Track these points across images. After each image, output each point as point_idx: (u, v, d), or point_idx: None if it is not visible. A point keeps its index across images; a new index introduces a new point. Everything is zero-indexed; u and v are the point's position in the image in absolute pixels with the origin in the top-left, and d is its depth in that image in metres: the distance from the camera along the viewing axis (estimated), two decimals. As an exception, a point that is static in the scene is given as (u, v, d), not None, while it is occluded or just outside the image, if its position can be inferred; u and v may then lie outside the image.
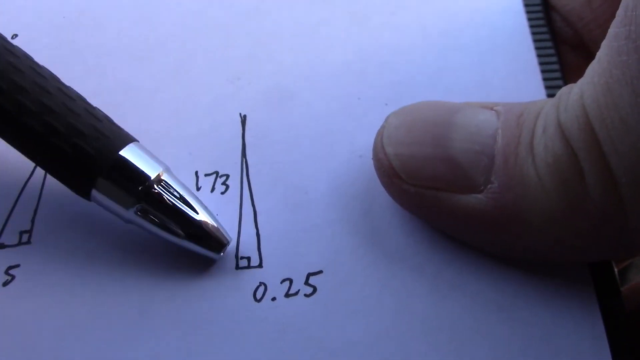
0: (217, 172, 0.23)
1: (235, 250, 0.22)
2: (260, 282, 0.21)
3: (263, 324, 0.20)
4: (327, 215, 0.22)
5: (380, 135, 0.21)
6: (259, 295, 0.21)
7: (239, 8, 0.27)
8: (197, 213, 0.20)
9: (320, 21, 0.26)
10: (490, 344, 0.20)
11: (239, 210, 0.22)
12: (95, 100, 0.23)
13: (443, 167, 0.20)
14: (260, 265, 0.21)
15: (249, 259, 0.21)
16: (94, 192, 0.21)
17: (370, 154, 0.22)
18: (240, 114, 0.24)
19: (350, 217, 0.22)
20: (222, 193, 0.23)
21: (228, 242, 0.21)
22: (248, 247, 0.22)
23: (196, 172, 0.23)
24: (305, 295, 0.21)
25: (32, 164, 0.23)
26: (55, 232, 0.22)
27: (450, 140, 0.20)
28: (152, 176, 0.20)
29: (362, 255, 0.21)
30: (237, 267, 0.21)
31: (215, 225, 0.20)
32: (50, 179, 0.23)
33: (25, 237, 0.22)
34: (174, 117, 0.24)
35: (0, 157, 0.25)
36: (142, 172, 0.20)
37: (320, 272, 0.21)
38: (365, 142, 0.23)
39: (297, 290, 0.21)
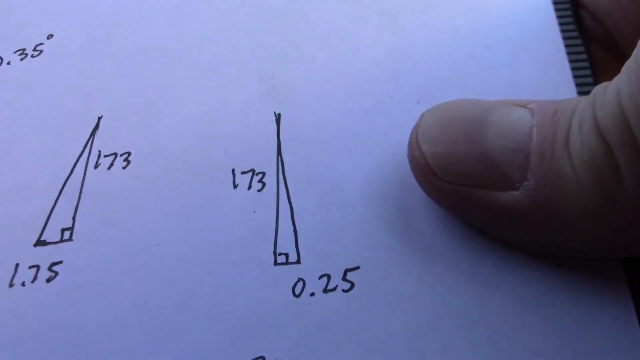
0: (253, 170, 0.23)
1: (273, 247, 0.22)
2: (298, 278, 0.21)
3: (302, 319, 0.21)
4: (362, 213, 0.22)
5: (415, 134, 0.21)
6: (297, 291, 0.21)
7: (269, 8, 0.27)
8: None
9: (350, 20, 0.27)
10: (526, 338, 0.20)
11: (275, 208, 0.23)
12: (129, 100, 0.24)
13: (479, 164, 0.20)
14: (298, 262, 0.22)
15: (287, 255, 0.22)
16: None
17: (404, 152, 0.23)
18: (274, 113, 0.24)
19: (385, 214, 0.22)
20: (259, 190, 0.23)
21: None
22: (286, 244, 0.22)
23: (232, 170, 0.23)
24: (344, 290, 0.21)
25: (73, 161, 0.24)
26: (96, 228, 0.23)
27: (486, 137, 0.20)
28: None
29: (399, 251, 0.22)
30: (276, 263, 0.22)
31: None
32: (89, 176, 0.23)
33: (67, 234, 0.23)
34: (208, 116, 0.25)
35: (39, 156, 0.25)
36: None
37: (357, 267, 0.21)
38: (398, 140, 0.24)
39: (335, 285, 0.21)
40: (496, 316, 0.20)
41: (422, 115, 0.22)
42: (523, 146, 0.20)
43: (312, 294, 0.21)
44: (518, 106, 0.21)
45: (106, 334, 0.21)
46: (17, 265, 0.22)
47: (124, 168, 0.24)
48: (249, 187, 0.23)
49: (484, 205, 0.20)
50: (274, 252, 0.22)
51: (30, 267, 0.22)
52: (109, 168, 0.24)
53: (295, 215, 0.23)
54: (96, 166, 0.24)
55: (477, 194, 0.20)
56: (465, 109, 0.21)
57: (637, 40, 0.18)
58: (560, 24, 0.26)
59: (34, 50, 0.27)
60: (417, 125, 0.22)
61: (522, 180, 0.20)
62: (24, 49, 0.27)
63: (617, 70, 0.18)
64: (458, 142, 0.21)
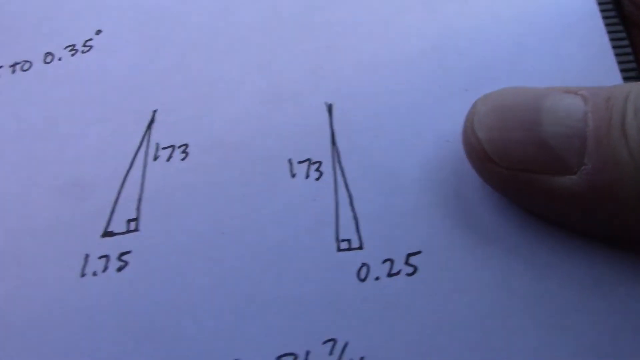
0: (309, 160, 0.24)
1: (335, 233, 0.23)
2: (362, 263, 0.22)
3: (369, 302, 0.22)
4: (420, 199, 0.23)
5: (470, 121, 0.22)
6: (362, 275, 0.22)
7: (315, 1, 0.28)
8: None
9: (394, 11, 0.27)
10: (589, 317, 0.21)
11: (334, 195, 0.23)
12: (181, 95, 0.25)
13: (535, 150, 0.21)
14: (360, 247, 0.22)
15: (349, 241, 0.23)
16: None
17: (455, 139, 0.23)
18: (325, 103, 0.25)
19: (442, 201, 0.23)
20: (317, 179, 0.24)
21: None
22: (347, 230, 0.23)
23: (289, 160, 0.24)
24: (407, 274, 0.22)
25: (132, 154, 0.24)
26: (161, 219, 0.24)
27: (540, 124, 0.21)
28: None
29: (458, 236, 0.22)
30: (339, 249, 0.22)
31: None
32: (149, 168, 0.24)
33: (133, 225, 0.24)
34: (261, 108, 0.26)
35: (98, 150, 0.26)
36: None
37: (419, 252, 0.22)
38: (450, 127, 0.24)
39: (398, 270, 0.22)
40: (557, 297, 0.21)
41: (476, 103, 0.23)
42: (579, 132, 0.21)
43: (377, 278, 0.22)
44: (569, 93, 0.21)
45: (178, 320, 0.22)
46: (87, 255, 0.23)
47: (182, 160, 0.25)
48: (307, 176, 0.24)
49: (542, 189, 0.21)
50: (337, 239, 0.23)
51: (100, 257, 0.23)
52: (167, 160, 0.25)
53: (354, 202, 0.23)
54: (155, 158, 0.25)
55: (535, 179, 0.21)
56: (518, 96, 0.22)
57: None
58: (602, 10, 0.26)
59: (84, 45, 0.28)
60: (471, 113, 0.22)
61: (580, 165, 0.20)
62: (74, 45, 0.28)
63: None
64: (513, 128, 0.21)
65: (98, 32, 0.28)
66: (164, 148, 0.25)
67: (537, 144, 0.21)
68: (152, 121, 0.25)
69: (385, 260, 0.22)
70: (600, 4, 0.27)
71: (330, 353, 0.21)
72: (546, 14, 0.27)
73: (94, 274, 0.23)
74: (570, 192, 0.20)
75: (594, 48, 0.26)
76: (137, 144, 0.25)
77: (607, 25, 0.26)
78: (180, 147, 0.25)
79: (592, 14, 0.26)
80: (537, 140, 0.21)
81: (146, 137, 0.25)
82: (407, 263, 0.22)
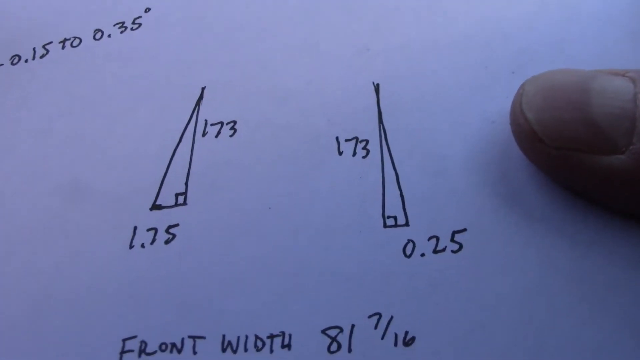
0: (357, 138, 0.24)
1: (381, 210, 0.23)
2: (408, 240, 0.22)
3: (415, 278, 0.22)
4: (466, 179, 0.23)
5: (518, 102, 0.22)
6: (408, 252, 0.22)
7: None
8: None
9: (440, -6, 0.27)
10: (633, 295, 0.21)
11: (381, 173, 0.24)
12: (229, 73, 0.26)
13: (585, 130, 0.21)
14: (407, 224, 0.23)
15: (395, 217, 0.23)
16: None
17: (502, 120, 0.24)
18: (373, 83, 0.25)
19: (488, 181, 0.23)
20: (364, 157, 0.24)
21: None
22: (393, 207, 0.23)
23: (337, 138, 0.25)
24: (452, 251, 0.22)
25: (181, 130, 0.25)
26: (209, 193, 0.24)
27: (590, 105, 0.21)
28: None
29: (504, 215, 0.23)
30: (385, 226, 0.23)
31: None
32: (198, 144, 0.25)
33: (181, 199, 0.24)
34: (309, 87, 0.26)
35: (148, 126, 0.26)
36: None
37: (464, 229, 0.22)
38: (496, 108, 0.24)
39: (444, 247, 0.22)
40: (602, 274, 0.21)
41: (524, 84, 0.23)
42: (628, 112, 0.21)
43: (423, 255, 0.22)
44: (617, 75, 0.22)
45: (225, 294, 0.22)
46: (136, 228, 0.24)
47: (230, 136, 0.25)
48: (354, 154, 0.24)
49: (590, 169, 0.21)
50: (383, 215, 0.23)
51: (149, 230, 0.23)
52: (216, 136, 0.25)
53: (400, 181, 0.24)
54: (204, 135, 0.25)
55: (584, 158, 0.21)
56: (567, 78, 0.22)
57: None
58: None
59: (133, 23, 0.28)
60: (519, 94, 0.23)
61: (629, 145, 0.20)
62: (123, 22, 0.28)
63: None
64: (563, 109, 0.22)
65: (147, 9, 0.28)
66: (213, 124, 0.25)
67: (586, 124, 0.21)
68: (200, 98, 0.26)
69: (430, 237, 0.22)
70: (645, -10, 0.27)
71: (375, 327, 0.21)
72: (591, 1, 0.27)
73: (142, 246, 0.23)
74: (618, 172, 0.21)
75: (638, 32, 0.26)
76: (186, 120, 0.25)
77: (652, 10, 0.26)
78: (228, 123, 0.25)
79: (637, 2, 0.26)
80: (587, 120, 0.21)
81: (195, 113, 0.26)
82: (452, 240, 0.22)
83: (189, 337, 0.22)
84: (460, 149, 0.24)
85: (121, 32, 0.28)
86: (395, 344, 0.21)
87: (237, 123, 0.25)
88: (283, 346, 0.22)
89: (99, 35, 0.28)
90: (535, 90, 0.22)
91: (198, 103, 0.26)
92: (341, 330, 0.21)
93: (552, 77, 0.22)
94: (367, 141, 0.24)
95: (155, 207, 0.24)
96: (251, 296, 0.22)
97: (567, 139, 0.21)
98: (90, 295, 0.23)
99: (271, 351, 0.22)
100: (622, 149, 0.20)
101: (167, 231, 0.23)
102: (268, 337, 0.21)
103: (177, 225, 0.23)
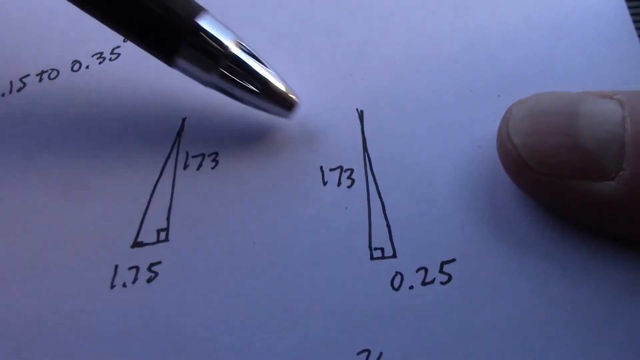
0: (341, 167, 0.24)
1: (368, 242, 0.22)
2: (396, 272, 0.22)
3: (404, 312, 0.21)
4: (453, 206, 0.23)
5: (505, 127, 0.22)
6: (396, 284, 0.22)
7: (343, 5, 0.28)
8: (271, 74, 0.24)
9: (425, 16, 0.27)
10: (626, 324, 0.21)
11: (367, 203, 0.23)
12: (208, 103, 0.27)
13: (573, 156, 0.21)
14: (394, 256, 0.22)
15: (382, 249, 0.22)
16: (178, 59, 0.23)
17: (488, 145, 0.23)
18: (357, 109, 0.25)
19: (476, 207, 0.23)
20: (349, 187, 0.24)
21: (298, 102, 0.24)
22: (380, 239, 0.23)
23: (321, 167, 0.24)
24: (442, 283, 0.22)
25: (162, 163, 0.24)
26: (191, 228, 0.23)
27: (578, 129, 0.21)
28: (230, 41, 0.23)
29: (493, 243, 0.22)
30: (372, 258, 0.22)
31: (287, 86, 0.24)
32: (179, 177, 0.24)
33: (162, 235, 0.23)
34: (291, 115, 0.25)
35: (128, 159, 0.26)
36: (221, 37, 0.23)
37: (453, 260, 0.22)
38: (482, 133, 0.24)
39: (432, 278, 0.22)
40: (594, 303, 0.21)
41: (511, 108, 0.22)
42: (617, 137, 0.20)
43: (411, 287, 0.22)
44: (605, 98, 0.21)
45: (210, 332, 0.22)
46: (117, 266, 0.23)
47: (212, 168, 0.24)
48: (339, 184, 0.24)
49: (579, 195, 0.21)
50: (370, 247, 0.22)
51: (130, 268, 0.23)
52: (198, 169, 0.25)
53: (387, 210, 0.23)
54: (185, 167, 0.25)
55: (572, 185, 0.21)
56: (554, 101, 0.22)
57: None
58: (632, 13, 0.26)
59: (112, 53, 0.27)
60: (505, 119, 0.22)
61: (618, 170, 0.20)
62: (101, 52, 0.28)
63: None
64: (550, 133, 0.21)
65: (125, 39, 0.27)
66: (194, 157, 0.25)
67: (574, 149, 0.21)
68: (181, 129, 0.25)
69: (419, 269, 0.22)
70: (630, 7, 0.26)
71: (365, 363, 0.21)
72: (577, 17, 0.26)
73: (124, 285, 0.23)
74: (608, 198, 0.20)
75: (625, 51, 0.25)
76: (167, 152, 0.25)
77: (638, 28, 0.26)
78: (210, 155, 0.25)
79: (622, 17, 0.26)
80: (575, 145, 0.21)
81: (176, 145, 0.25)
82: (441, 271, 0.22)
83: (174, 378, 0.21)
84: (447, 175, 0.23)
85: (99, 63, 0.27)
86: (385, 382, 0.20)
87: (219, 154, 0.24)
88: (270, 386, 0.20)
89: (77, 66, 0.27)
90: (523, 114, 0.22)
91: (179, 135, 0.25)
92: (330, 367, 0.21)
93: (539, 100, 0.22)
94: (352, 170, 0.24)
95: (137, 244, 0.23)
96: (237, 334, 0.22)
97: (555, 165, 0.21)
98: (72, 338, 0.22)
99: (258, 392, 0.21)
100: (612, 175, 0.20)
101: (149, 269, 0.23)
102: (255, 377, 0.21)
103: (159, 262, 0.23)
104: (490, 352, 0.21)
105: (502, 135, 0.22)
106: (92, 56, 0.28)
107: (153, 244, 0.23)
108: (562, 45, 0.26)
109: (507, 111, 0.22)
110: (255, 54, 0.23)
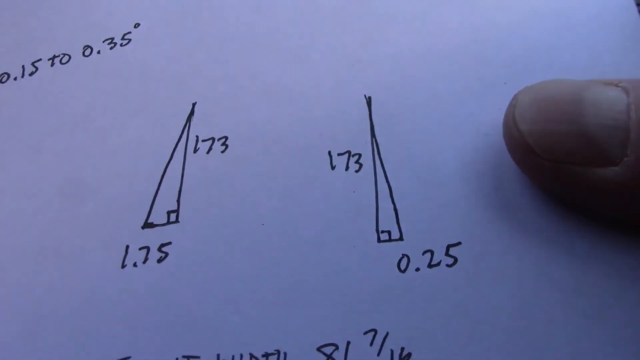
0: (349, 152, 0.24)
1: (375, 225, 0.23)
2: (402, 254, 0.22)
3: (410, 293, 0.22)
4: (459, 191, 0.23)
5: (511, 114, 0.22)
6: (403, 266, 0.22)
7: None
8: None
9: (432, 5, 0.27)
10: (630, 308, 0.21)
11: (374, 187, 0.24)
12: (221, 86, 0.26)
13: (578, 142, 0.21)
14: (401, 238, 0.23)
15: (389, 232, 0.23)
16: None
17: (494, 132, 0.23)
18: (365, 96, 0.25)
19: (482, 192, 0.23)
20: (357, 171, 0.24)
21: None
22: (387, 222, 0.23)
23: (329, 152, 0.24)
24: (447, 265, 0.22)
25: (172, 147, 0.25)
26: (201, 210, 0.24)
27: (583, 116, 0.21)
28: None
29: (498, 227, 0.22)
30: (379, 241, 0.23)
31: None
32: (189, 160, 0.24)
33: (173, 217, 0.24)
34: (300, 101, 0.26)
35: (139, 142, 0.26)
36: None
37: (459, 243, 0.22)
38: (488, 120, 0.24)
39: (438, 261, 0.22)
40: (597, 288, 0.21)
41: (517, 95, 0.23)
42: (622, 124, 0.21)
43: (417, 269, 0.22)
44: (610, 85, 0.22)
45: (219, 311, 0.22)
46: (128, 247, 0.23)
47: (222, 152, 0.25)
48: (347, 168, 0.24)
49: (584, 181, 0.21)
50: (377, 230, 0.23)
51: (141, 249, 0.23)
52: (207, 152, 0.25)
53: (394, 194, 0.23)
54: (195, 151, 0.25)
55: (577, 171, 0.21)
56: (560, 89, 0.22)
57: None
58: (638, 3, 0.26)
59: (123, 39, 0.28)
60: (512, 106, 0.22)
61: (622, 156, 0.20)
62: (112, 38, 0.28)
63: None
64: (556, 120, 0.21)
65: (136, 25, 0.28)
66: (204, 140, 0.25)
67: (579, 135, 0.21)
68: (191, 113, 0.26)
69: (425, 252, 0.22)
70: (637, -3, 0.26)
71: (371, 344, 0.21)
72: (582, 7, 0.27)
73: (135, 265, 0.23)
74: (612, 184, 0.21)
75: (630, 40, 0.26)
76: (177, 136, 0.25)
77: (644, 17, 0.26)
78: (220, 139, 0.25)
79: (628, 7, 0.26)
80: (580, 132, 0.21)
81: (186, 129, 0.25)
82: (447, 254, 0.22)
83: (183, 357, 0.22)
84: (454, 161, 0.24)
85: (110, 48, 0.27)
86: (392, 361, 0.21)
87: (229, 138, 0.25)
88: (278, 365, 0.21)
89: (88, 51, 0.27)
90: (528, 102, 0.22)
91: (189, 119, 0.25)
92: (337, 347, 0.21)
93: (545, 88, 0.22)
94: (359, 155, 0.24)
95: (147, 225, 0.24)
96: (245, 314, 0.22)
97: (560, 152, 0.21)
98: (83, 316, 0.23)
99: (266, 370, 0.21)
100: (616, 161, 0.20)
101: (159, 250, 0.23)
102: (263, 356, 0.21)
103: (169, 243, 0.23)
104: (494, 333, 0.22)
105: (508, 122, 0.22)
106: (104, 41, 0.28)
107: (163, 225, 0.23)
108: (568, 34, 0.26)
109: (513, 98, 0.23)
110: None
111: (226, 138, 0.25)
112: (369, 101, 0.25)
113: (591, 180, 0.21)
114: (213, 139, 0.25)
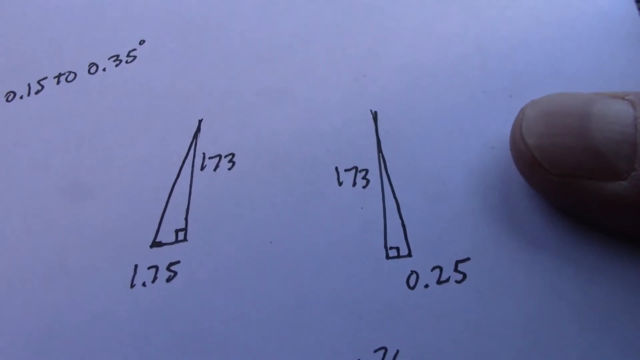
0: (356, 167, 0.24)
1: (383, 241, 0.23)
2: (411, 271, 0.22)
3: (419, 310, 0.22)
4: (467, 205, 0.23)
5: (518, 127, 0.22)
6: (412, 283, 0.22)
7: (355, 7, 0.28)
8: None
9: (435, 17, 0.27)
10: (637, 323, 0.21)
11: (382, 203, 0.24)
12: (228, 102, 0.26)
13: (585, 156, 0.21)
14: (409, 255, 0.23)
15: (397, 249, 0.23)
16: None
17: (501, 145, 0.24)
18: (371, 111, 0.25)
19: (490, 206, 0.23)
20: (364, 187, 0.24)
21: None
22: (395, 238, 0.23)
23: (336, 168, 0.24)
24: (456, 281, 0.22)
25: (179, 164, 0.25)
26: (209, 228, 0.24)
27: (590, 130, 0.21)
28: None
29: (506, 242, 0.22)
30: (388, 257, 0.23)
31: None
32: (197, 178, 0.25)
33: (181, 235, 0.24)
34: (306, 116, 0.26)
35: (146, 160, 0.26)
36: None
37: (467, 259, 0.22)
38: (495, 133, 0.24)
39: (447, 277, 0.22)
40: (606, 301, 0.21)
41: (523, 109, 0.23)
42: (629, 138, 0.21)
43: (427, 286, 0.22)
44: (617, 98, 0.22)
45: (229, 329, 0.22)
46: (136, 266, 0.23)
47: (229, 169, 0.25)
48: (354, 184, 0.24)
49: (592, 195, 0.21)
50: (385, 247, 0.23)
51: (149, 268, 0.23)
52: (214, 169, 0.25)
53: (401, 210, 0.23)
54: (202, 168, 0.25)
55: (585, 185, 0.21)
56: (567, 102, 0.22)
57: None
58: (642, 12, 0.26)
59: (128, 56, 0.28)
60: (518, 119, 0.22)
61: (630, 171, 0.20)
62: (117, 55, 0.28)
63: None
64: (563, 134, 0.21)
65: (141, 42, 0.28)
66: (211, 157, 0.25)
67: (587, 149, 0.21)
68: (198, 130, 0.26)
69: (434, 268, 0.22)
70: (641, 6, 0.26)
71: (381, 361, 0.21)
72: (587, 18, 0.27)
73: (144, 284, 0.23)
74: (620, 198, 0.21)
75: (635, 51, 0.26)
76: (184, 153, 0.25)
77: (648, 28, 0.26)
78: (226, 156, 0.25)
79: (632, 17, 0.26)
80: (587, 146, 0.21)
81: (192, 146, 0.25)
82: (456, 270, 0.22)
83: (193, 375, 0.21)
84: (461, 175, 0.24)
85: (116, 66, 0.27)
86: (402, 379, 0.21)
87: (236, 155, 0.25)
88: (288, 383, 0.21)
89: (93, 69, 0.28)
90: (535, 115, 0.22)
91: (195, 135, 0.25)
92: (347, 365, 0.21)
93: (552, 101, 0.22)
94: (366, 170, 0.24)
95: (156, 244, 0.24)
96: (254, 332, 0.22)
97: (568, 165, 0.21)
98: (92, 335, 0.23)
99: (277, 388, 0.21)
100: (624, 175, 0.20)
101: (168, 269, 0.23)
102: (273, 374, 0.21)
103: (178, 262, 0.23)
104: (504, 349, 0.22)
105: (515, 136, 0.22)
106: (109, 59, 0.28)
107: (172, 243, 0.24)
108: (572, 45, 0.26)
109: (519, 112, 0.23)
110: None
111: (233, 155, 0.25)
112: (375, 116, 0.25)
113: (599, 194, 0.21)
114: (220, 155, 0.25)
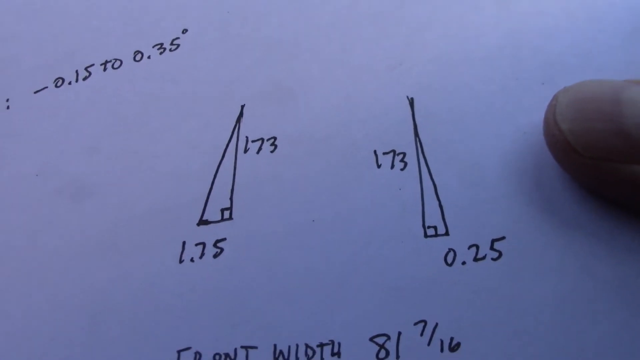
0: (394, 151, 0.25)
1: (421, 221, 0.24)
2: (449, 249, 0.23)
3: (457, 286, 0.23)
4: (502, 189, 0.24)
5: (552, 113, 0.23)
6: (449, 260, 0.23)
7: (391, 1, 0.29)
8: None
9: (468, 9, 0.28)
10: (670, 300, 0.22)
11: (419, 185, 0.25)
12: (265, 91, 0.27)
13: (618, 140, 0.22)
14: (447, 233, 0.24)
15: (435, 227, 0.24)
16: None
17: (534, 131, 0.24)
18: (407, 97, 0.26)
19: (523, 190, 0.24)
20: (402, 170, 0.25)
21: None
22: (433, 218, 0.24)
23: (375, 151, 0.25)
24: (492, 259, 0.23)
25: (223, 147, 0.26)
26: (254, 208, 0.25)
27: (622, 116, 0.22)
28: None
29: (540, 223, 0.23)
30: (426, 236, 0.24)
31: None
32: (240, 160, 0.26)
33: (226, 214, 0.25)
34: (345, 102, 0.27)
35: (191, 143, 0.27)
36: None
37: (503, 238, 0.23)
38: (527, 119, 0.25)
39: (484, 254, 0.23)
40: (637, 281, 0.22)
41: (557, 95, 0.23)
42: None
43: (464, 263, 0.23)
44: None
45: (275, 304, 0.23)
46: (184, 243, 0.25)
47: (271, 152, 0.26)
48: (392, 167, 0.25)
49: (624, 178, 0.22)
50: (423, 226, 0.24)
51: (197, 245, 0.24)
52: (257, 152, 0.26)
53: (438, 191, 0.24)
54: (245, 151, 0.26)
55: (617, 168, 0.22)
56: (598, 89, 0.23)
57: None
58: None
59: (172, 44, 0.29)
60: (552, 105, 0.23)
61: None
62: (161, 43, 0.29)
63: None
64: (595, 120, 0.22)
65: (184, 30, 0.29)
66: (254, 141, 0.26)
67: (618, 134, 0.22)
68: (240, 115, 0.27)
69: (470, 246, 0.23)
70: (670, -1, 0.27)
71: (421, 334, 0.22)
72: (616, 10, 0.28)
73: (192, 260, 0.24)
74: (652, 181, 0.21)
75: (663, 42, 0.26)
76: (228, 137, 0.26)
77: (676, 20, 0.27)
78: (269, 139, 0.26)
79: (661, 10, 0.27)
80: (619, 130, 0.22)
81: (236, 130, 0.26)
82: (492, 248, 0.23)
83: (242, 347, 0.23)
84: (495, 159, 0.25)
85: (160, 53, 0.29)
86: (442, 350, 0.22)
87: (277, 139, 0.26)
88: (333, 354, 0.23)
89: (139, 56, 0.29)
90: (568, 101, 0.23)
91: (238, 120, 0.27)
92: (388, 337, 0.22)
93: (584, 88, 0.23)
94: (404, 154, 0.25)
95: (202, 222, 0.25)
96: (299, 306, 0.23)
97: (600, 149, 0.22)
98: (144, 309, 0.24)
99: (321, 359, 0.22)
100: None
101: (215, 245, 0.24)
102: (318, 346, 0.22)
103: (224, 239, 0.24)
104: (538, 325, 0.22)
105: (549, 122, 0.23)
106: (153, 47, 0.29)
107: (218, 222, 0.25)
108: (602, 36, 0.27)
109: (553, 98, 0.24)
110: None
111: (275, 138, 0.26)
112: (411, 102, 0.26)
113: (631, 177, 0.22)
114: (262, 139, 0.26)
